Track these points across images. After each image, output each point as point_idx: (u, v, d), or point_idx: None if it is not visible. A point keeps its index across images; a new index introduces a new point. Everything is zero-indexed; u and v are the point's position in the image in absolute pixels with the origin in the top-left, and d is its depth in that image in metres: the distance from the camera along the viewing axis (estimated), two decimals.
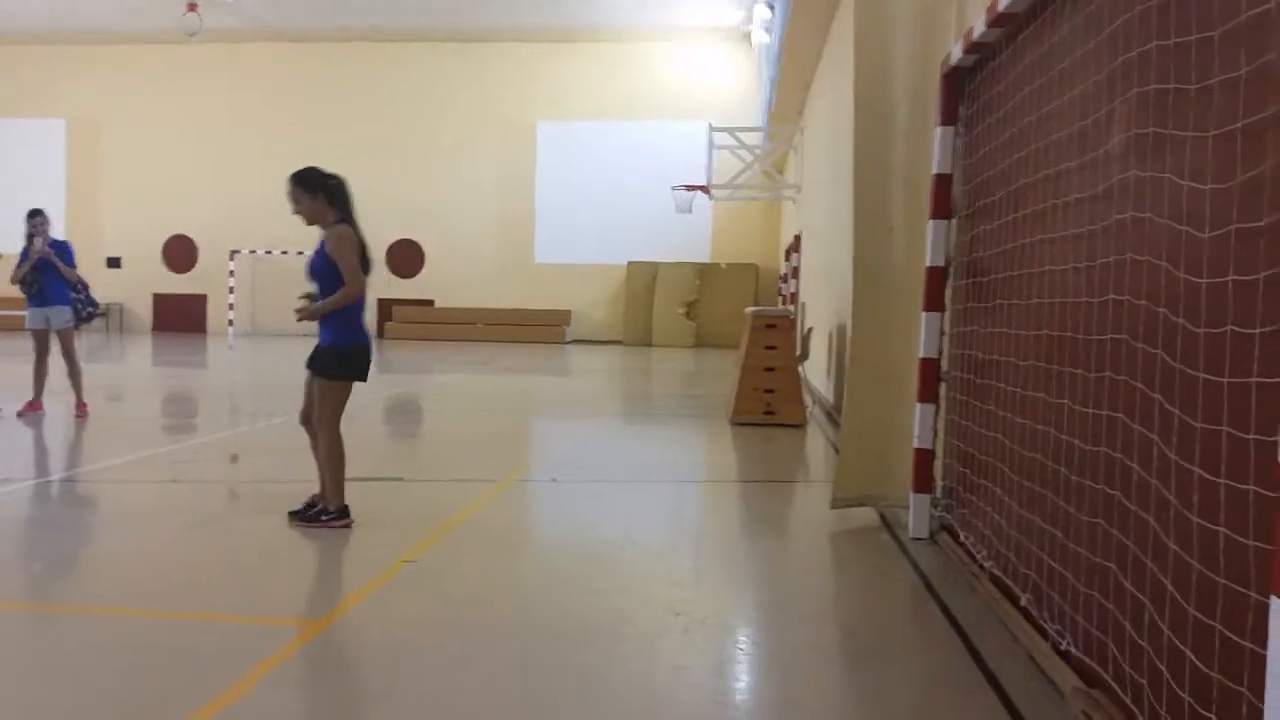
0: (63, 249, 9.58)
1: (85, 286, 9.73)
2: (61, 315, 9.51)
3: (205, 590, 4.26)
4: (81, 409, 9.57)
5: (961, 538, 4.81)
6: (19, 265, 9.36)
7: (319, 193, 5.17)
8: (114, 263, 29.47)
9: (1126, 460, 2.87)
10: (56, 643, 3.65)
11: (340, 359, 5.21)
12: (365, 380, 5.27)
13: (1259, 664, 1.93)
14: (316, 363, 5.24)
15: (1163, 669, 2.55)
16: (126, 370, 16.92)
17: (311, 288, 5.27)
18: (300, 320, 5.20)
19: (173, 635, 3.66)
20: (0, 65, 29.15)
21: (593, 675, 3.42)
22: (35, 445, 8.39)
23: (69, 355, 9.55)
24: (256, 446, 8.52)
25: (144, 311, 30.08)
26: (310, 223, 5.19)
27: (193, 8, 23.91)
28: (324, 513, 5.24)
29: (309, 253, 5.33)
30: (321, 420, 5.25)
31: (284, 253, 28.83)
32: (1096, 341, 3.14)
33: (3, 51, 29.02)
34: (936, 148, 5.04)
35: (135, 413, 11.32)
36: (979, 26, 4.32)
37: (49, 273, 9.37)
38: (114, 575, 4.56)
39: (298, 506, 5.37)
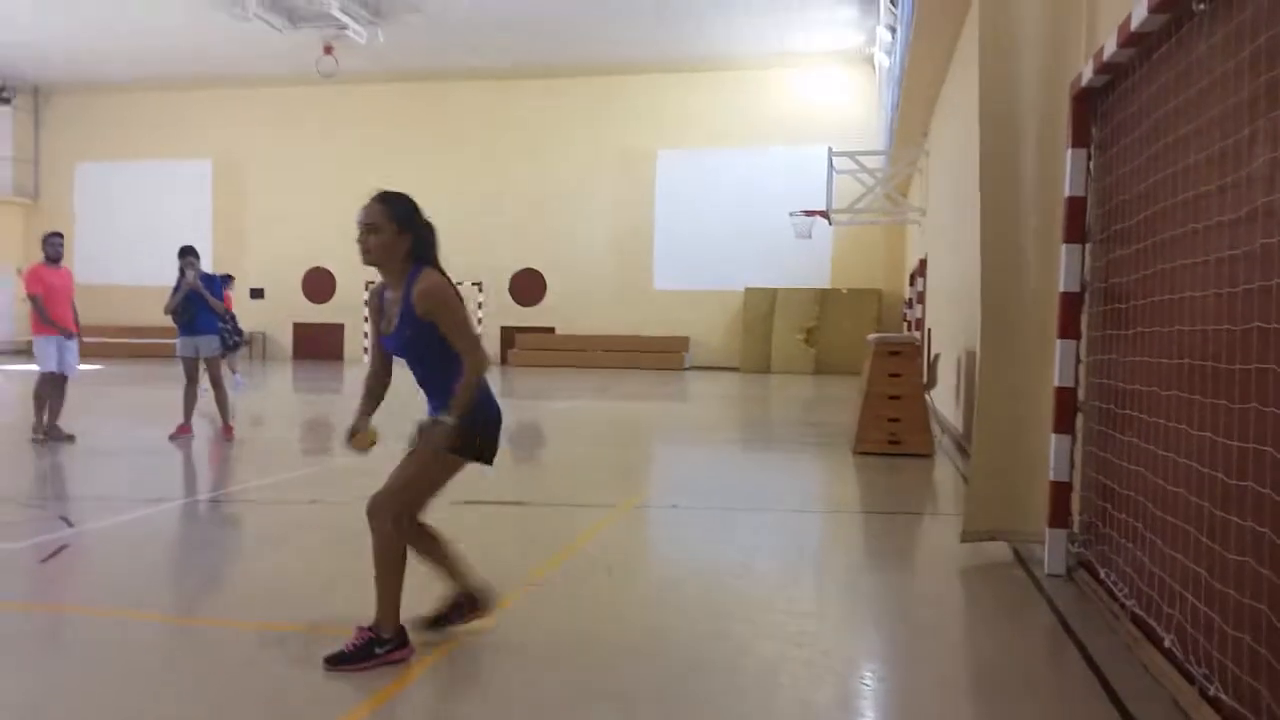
0: (211, 282, 10.22)
1: (232, 317, 10.32)
2: (209, 344, 10.12)
3: (343, 605, 4.42)
4: (228, 432, 10.11)
5: (1101, 575, 4.61)
6: (171, 297, 10.02)
7: (407, 231, 3.98)
8: (257, 294, 30.96)
9: (1275, 495, 2.72)
10: (205, 655, 3.85)
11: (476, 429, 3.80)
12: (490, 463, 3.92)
13: None
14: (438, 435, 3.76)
15: None
16: (269, 395, 17.72)
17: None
18: (435, 445, 3.76)
19: (318, 647, 3.77)
20: (153, 111, 31.11)
21: (711, 706, 3.41)
22: (184, 467, 8.87)
23: (216, 382, 10.13)
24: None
25: (285, 340, 31.49)
26: (374, 263, 4.03)
27: (329, 50, 25.10)
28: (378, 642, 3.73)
29: (386, 322, 4.07)
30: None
31: None
32: (1241, 371, 3.00)
33: (155, 98, 30.96)
34: (1068, 170, 4.89)
35: (277, 436, 11.85)
36: (1110, 46, 4.19)
37: (198, 305, 9.99)
38: (258, 590, 4.78)
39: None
